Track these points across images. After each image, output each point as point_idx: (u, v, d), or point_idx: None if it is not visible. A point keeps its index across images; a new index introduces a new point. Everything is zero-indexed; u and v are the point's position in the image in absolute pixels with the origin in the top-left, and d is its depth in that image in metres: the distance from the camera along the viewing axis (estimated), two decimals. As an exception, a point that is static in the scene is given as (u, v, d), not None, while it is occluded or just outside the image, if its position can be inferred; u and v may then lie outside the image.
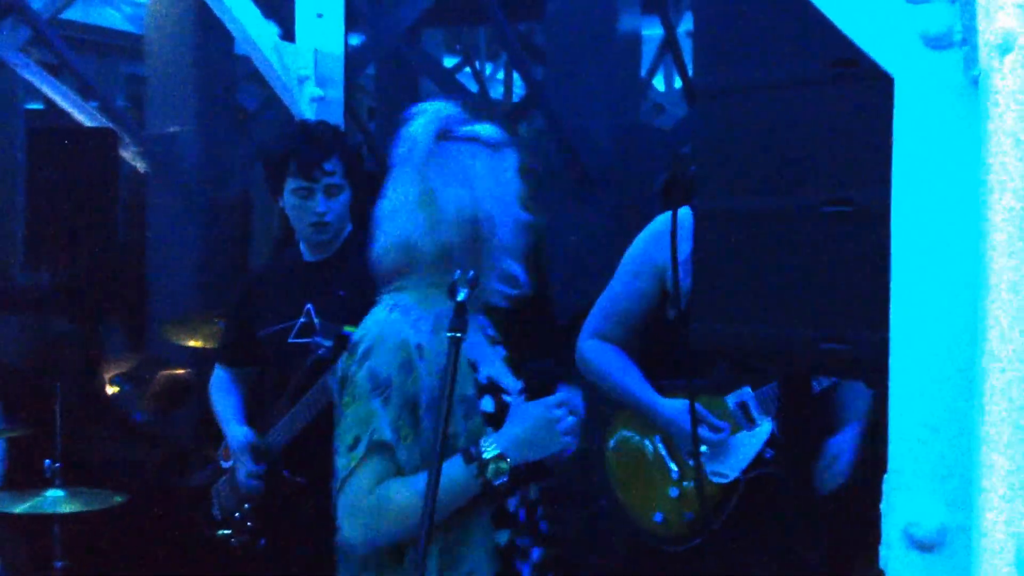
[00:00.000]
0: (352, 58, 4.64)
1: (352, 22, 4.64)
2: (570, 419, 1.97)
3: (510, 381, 2.07)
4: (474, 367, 2.02)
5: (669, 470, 2.90)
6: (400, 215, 2.00)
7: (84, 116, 5.97)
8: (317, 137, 3.08)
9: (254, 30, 4.32)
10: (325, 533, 2.94)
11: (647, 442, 2.95)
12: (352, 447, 1.93)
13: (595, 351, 2.97)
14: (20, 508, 3.58)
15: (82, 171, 5.28)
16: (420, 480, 1.85)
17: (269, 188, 3.14)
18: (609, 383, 2.96)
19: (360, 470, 1.91)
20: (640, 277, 2.94)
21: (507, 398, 2.03)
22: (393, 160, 2.04)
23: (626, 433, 2.99)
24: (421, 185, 1.99)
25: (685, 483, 2.87)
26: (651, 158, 5.47)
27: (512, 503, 2.03)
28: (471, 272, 1.84)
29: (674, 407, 2.85)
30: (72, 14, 6.29)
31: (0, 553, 3.58)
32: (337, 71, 4.54)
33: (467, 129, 2.02)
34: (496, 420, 1.98)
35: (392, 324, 1.95)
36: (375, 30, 5.73)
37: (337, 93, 4.51)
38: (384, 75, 6.78)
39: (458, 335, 1.77)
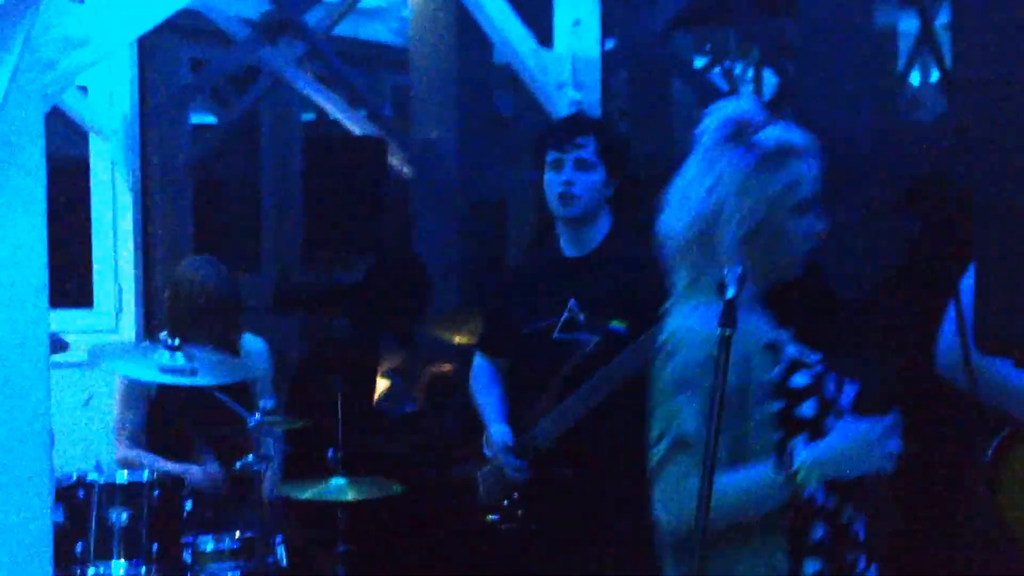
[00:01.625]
0: (606, 62, 4.73)
1: (605, 27, 4.73)
2: (893, 444, 1.95)
3: (808, 355, 2.06)
4: (776, 349, 2.02)
5: None
6: (686, 208, 2.05)
7: (355, 125, 6.32)
8: (575, 116, 3.33)
9: (515, 38, 4.48)
10: (592, 520, 3.08)
11: None
12: (657, 442, 2.03)
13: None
14: (306, 494, 3.85)
15: (354, 177, 5.58)
16: (726, 477, 1.90)
17: (537, 171, 3.26)
18: None
19: (667, 465, 2.00)
20: None
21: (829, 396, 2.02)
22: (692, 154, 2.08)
23: None
24: (706, 181, 2.03)
25: None
26: (909, 154, 5.30)
27: (819, 532, 2.01)
28: (738, 268, 1.88)
29: None
30: (342, 30, 6.67)
31: (287, 536, 3.84)
32: (594, 76, 4.65)
33: (757, 134, 2.04)
34: (812, 424, 1.98)
35: (694, 321, 2.02)
36: (628, 34, 5.80)
37: (594, 97, 4.61)
38: (636, 78, 6.84)
39: (727, 331, 1.82)
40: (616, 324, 3.08)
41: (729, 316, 1.83)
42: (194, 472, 3.92)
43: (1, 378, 2.31)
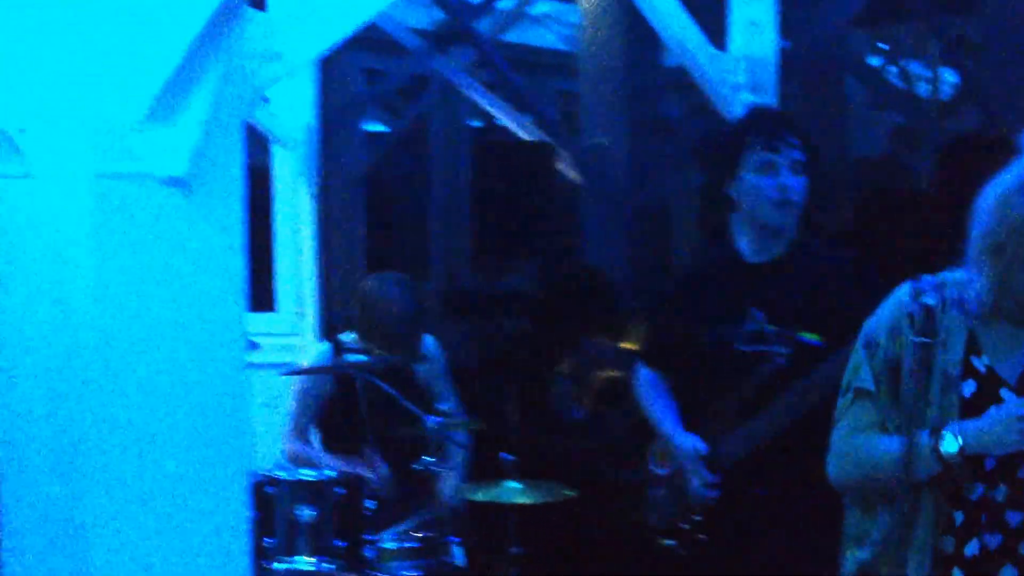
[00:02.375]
0: (782, 63, 4.63)
1: (781, 28, 4.63)
2: None
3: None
4: (976, 348, 2.00)
5: None
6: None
7: (523, 130, 6.38)
8: (778, 112, 3.02)
9: (689, 40, 4.44)
10: (781, 543, 2.87)
11: None
12: (844, 392, 2.09)
13: None
14: (479, 496, 3.89)
15: (523, 182, 5.63)
16: (890, 441, 1.98)
17: (715, 177, 3.00)
18: None
19: (846, 413, 2.08)
20: None
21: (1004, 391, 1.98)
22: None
23: None
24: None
25: None
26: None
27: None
28: (937, 278, 1.92)
29: None
30: (510, 36, 6.75)
31: (463, 537, 3.89)
32: (769, 77, 4.56)
33: None
34: (971, 405, 1.98)
35: (899, 290, 2.05)
36: (805, 34, 5.69)
37: (770, 99, 4.52)
38: (811, 79, 6.71)
39: (926, 340, 1.90)
40: (808, 336, 2.84)
41: (927, 324, 1.83)
42: (360, 471, 4.00)
43: (202, 378, 2.41)
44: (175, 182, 2.36)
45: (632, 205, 6.02)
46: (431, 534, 3.82)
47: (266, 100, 5.38)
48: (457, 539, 3.87)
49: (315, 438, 4.20)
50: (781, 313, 2.88)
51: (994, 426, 1.93)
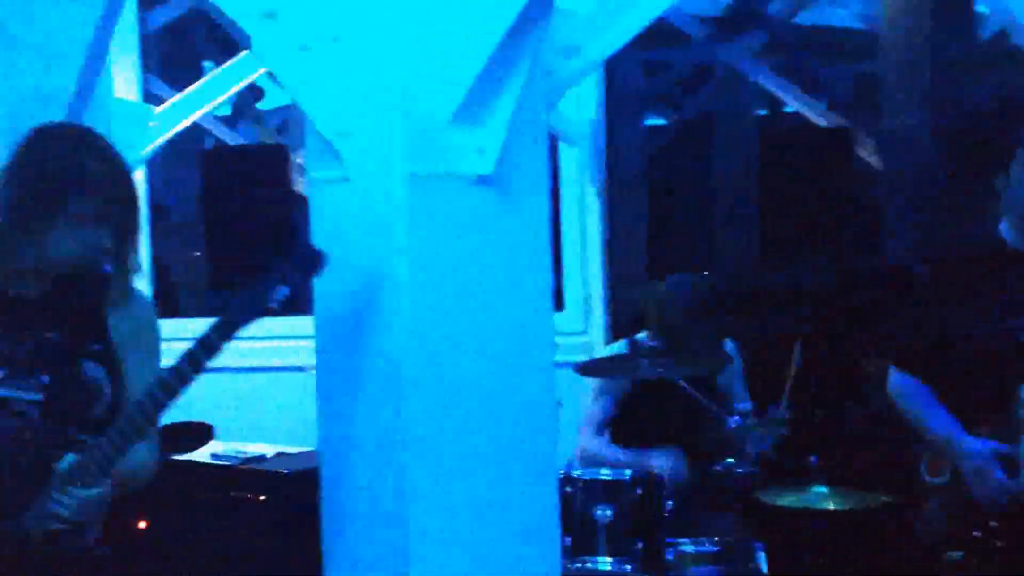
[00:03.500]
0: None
1: None
2: None
3: None
4: None
5: None
6: None
7: (816, 116, 6.12)
8: None
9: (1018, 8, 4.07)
10: None
11: None
12: None
13: None
14: (785, 501, 3.74)
15: (816, 171, 5.39)
16: None
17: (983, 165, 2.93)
18: None
19: None
20: None
21: None
22: None
23: None
24: None
25: None
26: None
27: None
28: None
29: None
30: (801, 18, 6.49)
31: (766, 542, 3.75)
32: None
33: None
34: None
35: None
36: None
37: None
38: None
39: None
40: None
41: None
42: (655, 457, 3.92)
43: (514, 376, 2.40)
44: (484, 181, 2.35)
45: (943, 193, 5.63)
46: (733, 539, 3.71)
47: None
48: (760, 544, 3.74)
49: (610, 433, 4.19)
50: None
51: None
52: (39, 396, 2.29)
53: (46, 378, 2.29)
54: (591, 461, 4.06)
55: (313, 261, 2.21)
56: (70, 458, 2.24)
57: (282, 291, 2.16)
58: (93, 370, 2.32)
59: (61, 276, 2.31)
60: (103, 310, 2.35)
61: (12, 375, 2.28)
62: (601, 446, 4.11)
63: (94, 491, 2.24)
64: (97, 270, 2.30)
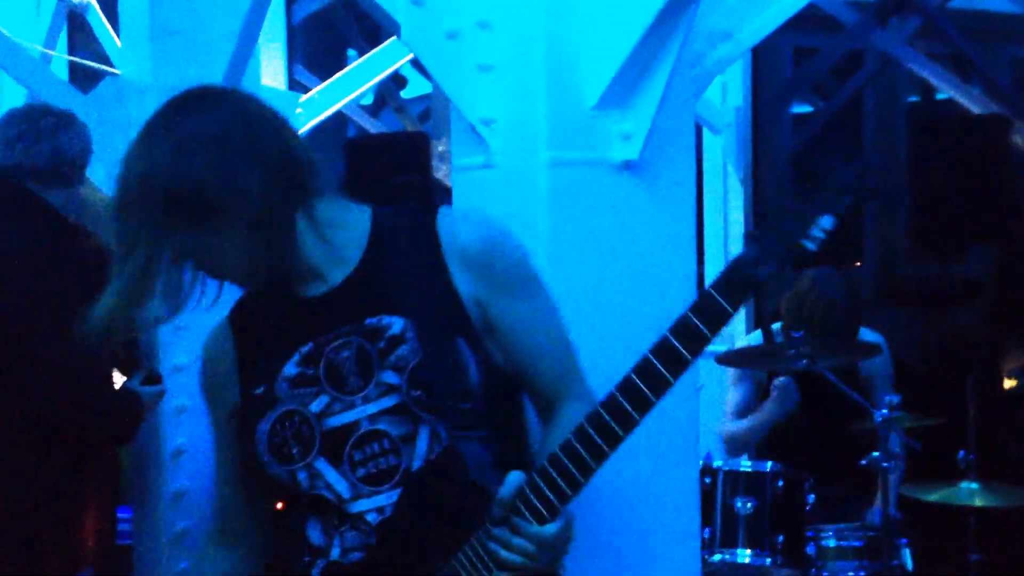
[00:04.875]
0: None
1: None
2: None
3: None
4: None
5: None
6: None
7: (971, 102, 5.91)
8: None
9: None
10: None
11: None
12: None
13: None
14: (933, 497, 3.64)
15: (969, 158, 5.20)
16: None
17: None
18: None
19: None
20: None
21: None
22: None
23: None
24: None
25: None
26: None
27: None
28: None
29: None
30: (957, 2, 6.27)
31: (912, 539, 3.66)
32: None
33: None
34: None
35: None
36: None
37: None
38: None
39: None
40: None
41: None
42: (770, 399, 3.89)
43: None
44: (629, 167, 2.34)
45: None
46: (877, 534, 3.63)
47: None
48: (905, 540, 3.65)
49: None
50: None
51: None
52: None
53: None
54: (733, 444, 4.08)
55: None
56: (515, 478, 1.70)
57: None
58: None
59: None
60: None
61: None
62: (739, 426, 4.11)
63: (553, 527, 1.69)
64: None
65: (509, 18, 2.32)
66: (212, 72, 3.14)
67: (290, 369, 1.83)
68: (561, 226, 2.34)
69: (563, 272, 2.29)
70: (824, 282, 3.94)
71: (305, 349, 1.82)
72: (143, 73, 3.30)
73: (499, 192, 2.40)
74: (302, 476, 1.83)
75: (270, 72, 5.57)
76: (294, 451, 1.83)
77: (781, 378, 3.94)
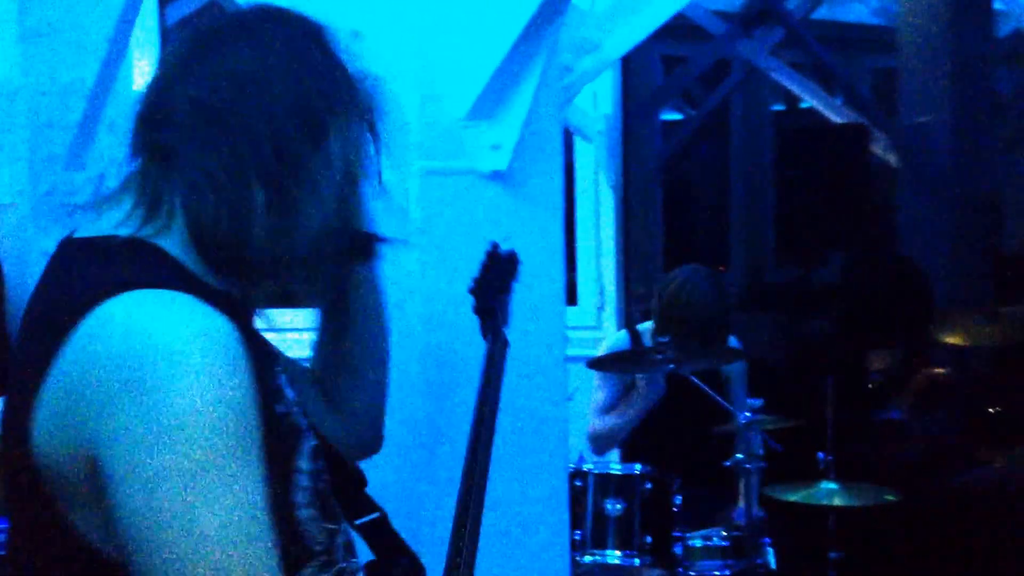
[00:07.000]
0: None
1: None
2: None
3: None
4: None
5: None
6: None
7: (832, 112, 6.11)
8: None
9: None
10: None
11: None
12: None
13: None
14: (794, 497, 3.76)
15: (832, 167, 5.38)
16: None
17: None
18: None
19: None
20: None
21: None
22: None
23: None
24: None
25: None
26: None
27: None
28: None
29: None
30: (819, 13, 6.48)
31: (775, 538, 3.76)
32: None
33: None
34: None
35: None
36: None
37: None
38: None
39: None
40: None
41: None
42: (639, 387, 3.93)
43: (526, 371, 2.42)
44: (498, 177, 2.37)
45: (959, 191, 5.61)
46: (741, 534, 3.72)
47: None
48: (769, 540, 3.75)
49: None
50: None
51: None
52: None
53: None
54: (601, 441, 4.10)
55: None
56: None
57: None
58: None
59: None
60: None
61: None
62: (605, 422, 4.14)
63: None
64: None
65: (380, 29, 2.32)
66: (84, 74, 3.07)
67: None
68: (431, 235, 2.36)
69: (434, 281, 2.31)
70: (693, 276, 4.02)
71: None
72: (12, 74, 3.20)
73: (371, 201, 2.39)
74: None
75: (143, 76, 5.45)
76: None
77: (651, 380, 4.00)
